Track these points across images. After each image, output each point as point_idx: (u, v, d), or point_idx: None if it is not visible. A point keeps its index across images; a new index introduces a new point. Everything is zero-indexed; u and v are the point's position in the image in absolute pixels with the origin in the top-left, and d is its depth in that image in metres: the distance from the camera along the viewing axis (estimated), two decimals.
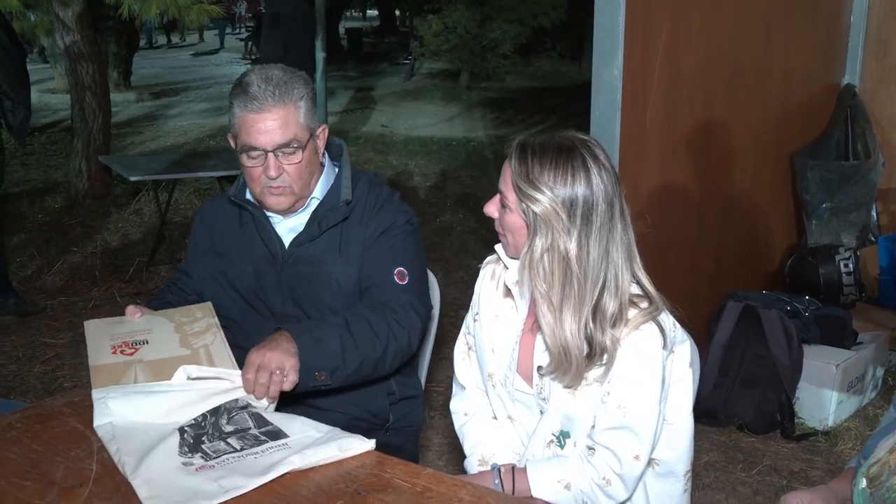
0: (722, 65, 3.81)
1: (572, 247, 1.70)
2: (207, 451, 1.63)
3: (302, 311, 2.16)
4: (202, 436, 1.68)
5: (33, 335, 4.75)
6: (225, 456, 1.61)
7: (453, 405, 2.11)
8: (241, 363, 1.84)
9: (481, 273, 2.03)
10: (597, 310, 1.72)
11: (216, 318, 2.04)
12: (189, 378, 1.82)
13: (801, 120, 4.51)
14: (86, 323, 2.02)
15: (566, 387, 1.77)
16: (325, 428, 1.73)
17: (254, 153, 2.05)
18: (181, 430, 1.68)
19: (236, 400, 1.79)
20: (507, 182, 1.77)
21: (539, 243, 1.71)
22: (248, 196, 2.22)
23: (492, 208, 1.84)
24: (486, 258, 2.05)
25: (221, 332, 1.99)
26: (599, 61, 3.27)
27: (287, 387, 1.82)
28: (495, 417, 2.02)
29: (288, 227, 2.20)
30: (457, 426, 2.09)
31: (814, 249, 4.38)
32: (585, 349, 1.73)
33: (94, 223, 6.86)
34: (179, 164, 6.07)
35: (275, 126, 2.03)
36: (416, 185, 8.63)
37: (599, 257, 1.71)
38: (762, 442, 3.62)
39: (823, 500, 1.54)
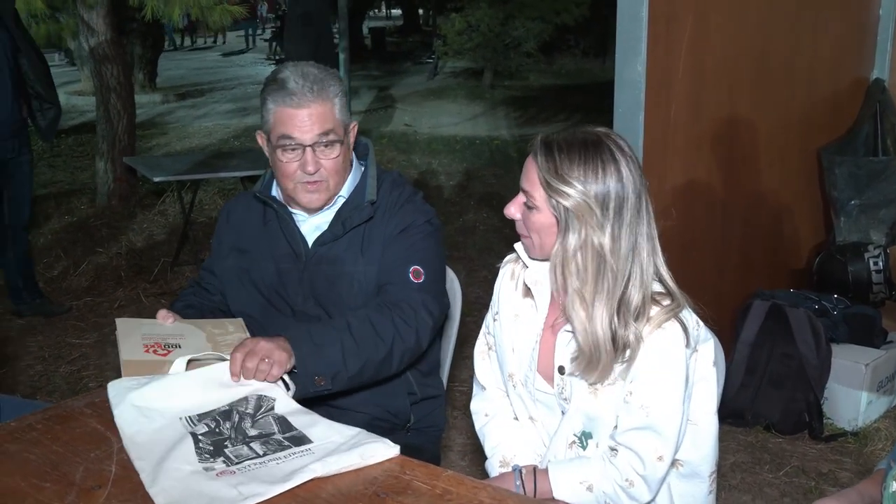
0: (747, 59, 3.75)
1: (606, 241, 1.68)
2: (230, 455, 1.61)
3: (323, 311, 2.15)
4: (224, 440, 1.66)
5: (59, 335, 4.79)
6: (247, 462, 1.59)
7: (474, 405, 2.09)
8: None
9: (500, 273, 2.00)
10: (621, 304, 1.70)
11: (248, 334, 2.03)
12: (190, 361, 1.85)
13: (829, 115, 4.44)
14: (117, 320, 2.02)
15: (592, 384, 1.75)
16: (349, 432, 1.70)
17: (291, 148, 2.05)
18: (195, 436, 1.66)
19: (258, 400, 1.77)
20: (532, 180, 1.74)
21: (572, 239, 1.69)
22: (274, 193, 2.22)
23: (513, 209, 1.81)
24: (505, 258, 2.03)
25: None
26: (622, 58, 3.23)
27: (275, 374, 1.81)
28: (516, 418, 2.00)
29: (313, 226, 2.19)
30: (477, 427, 2.07)
31: (842, 247, 4.31)
32: (611, 345, 1.70)
33: (119, 224, 6.91)
34: (203, 165, 6.10)
35: (313, 121, 2.03)
36: (440, 184, 8.61)
37: (628, 251, 1.69)
38: (790, 443, 3.57)
39: (848, 500, 1.50)
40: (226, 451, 1.63)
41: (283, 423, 1.73)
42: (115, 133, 7.22)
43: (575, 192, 1.67)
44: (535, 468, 1.86)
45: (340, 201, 2.18)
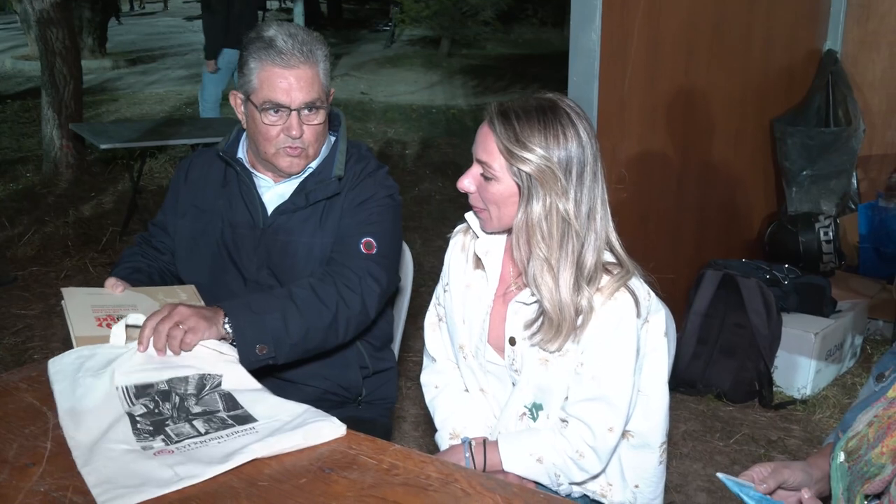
0: (703, 29, 3.74)
1: (570, 206, 1.66)
2: (170, 433, 1.56)
3: (276, 281, 2.10)
4: (165, 420, 1.61)
5: (3, 306, 4.67)
6: (187, 441, 1.54)
7: (424, 378, 2.06)
8: None
9: (451, 243, 1.97)
10: (577, 267, 1.69)
11: (202, 302, 1.96)
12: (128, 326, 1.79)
13: (783, 86, 4.46)
14: (64, 290, 1.93)
15: (552, 352, 1.73)
16: (297, 409, 1.65)
17: (275, 111, 1.99)
18: (132, 417, 1.59)
19: (201, 379, 1.71)
20: (489, 150, 1.70)
21: (537, 206, 1.67)
22: (240, 155, 2.16)
23: (467, 182, 1.77)
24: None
25: None
26: (577, 26, 3.20)
27: (189, 342, 1.74)
28: (467, 390, 1.98)
29: (275, 194, 2.13)
30: (427, 399, 2.05)
31: (793, 217, 4.35)
32: (573, 310, 1.69)
33: (66, 192, 6.75)
34: (153, 133, 5.96)
35: (301, 84, 1.98)
36: (396, 153, 8.54)
37: (586, 215, 1.69)
38: (740, 411, 3.61)
39: (787, 468, 1.49)
40: (166, 429, 1.58)
41: (229, 399, 1.67)
42: (61, 99, 7.02)
43: (537, 157, 1.65)
44: (484, 440, 1.85)
45: (307, 171, 2.12)
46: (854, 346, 3.98)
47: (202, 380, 1.72)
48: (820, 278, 3.99)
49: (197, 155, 2.30)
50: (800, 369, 3.70)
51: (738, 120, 4.18)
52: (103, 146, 5.34)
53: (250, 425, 1.59)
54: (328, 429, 1.58)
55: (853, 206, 4.53)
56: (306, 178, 2.11)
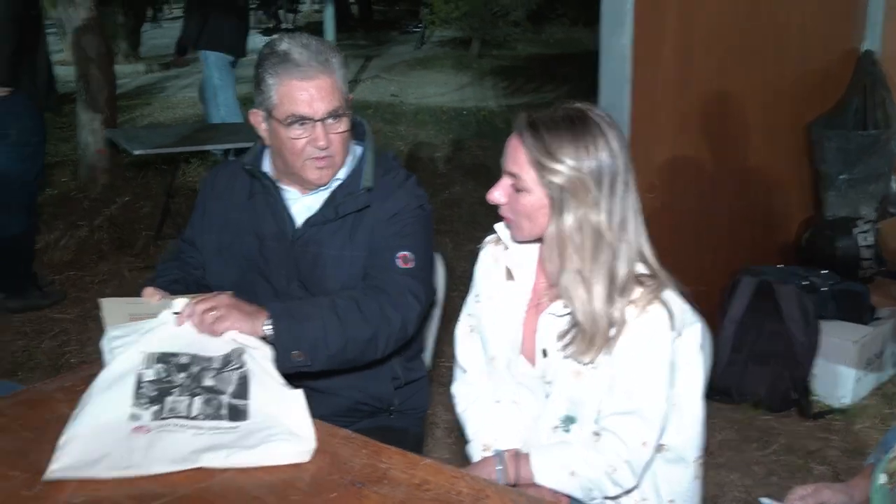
0: (736, 31, 3.70)
1: (602, 217, 1.65)
2: (165, 406, 1.60)
3: (307, 293, 2.09)
4: (174, 387, 1.64)
5: (41, 311, 4.71)
6: (171, 420, 1.58)
7: (454, 389, 2.05)
8: None
9: (481, 254, 1.96)
10: (610, 279, 1.67)
11: None
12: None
13: (819, 88, 4.39)
14: (101, 301, 1.94)
15: (586, 364, 1.71)
16: (293, 413, 1.65)
17: (300, 124, 1.98)
18: (139, 379, 1.64)
19: (226, 357, 1.74)
20: (519, 162, 1.69)
21: (569, 218, 1.66)
22: (266, 168, 2.15)
23: (497, 194, 1.75)
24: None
25: None
26: (608, 30, 3.17)
27: (210, 330, 1.76)
28: (498, 401, 1.95)
29: (303, 206, 2.12)
30: (458, 410, 2.03)
31: (831, 222, 4.28)
32: (606, 322, 1.68)
33: (101, 197, 6.81)
34: (186, 138, 6.00)
35: (322, 94, 1.97)
36: (426, 155, 8.54)
37: (619, 226, 1.67)
38: (778, 420, 3.56)
39: (828, 489, 1.46)
40: (167, 398, 1.62)
41: (242, 386, 1.67)
42: (96, 104, 7.08)
43: (569, 169, 1.64)
44: (516, 453, 1.83)
45: (336, 183, 2.11)
46: (894, 355, 3.91)
47: (227, 358, 1.73)
48: (858, 284, 3.92)
49: (221, 168, 2.30)
50: (839, 378, 3.63)
51: (773, 123, 4.13)
52: (136, 152, 5.38)
53: (236, 423, 1.60)
54: (293, 452, 1.55)
55: (893, 211, 4.45)
56: (335, 190, 2.10)
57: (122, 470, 1.46)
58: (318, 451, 1.56)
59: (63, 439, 1.52)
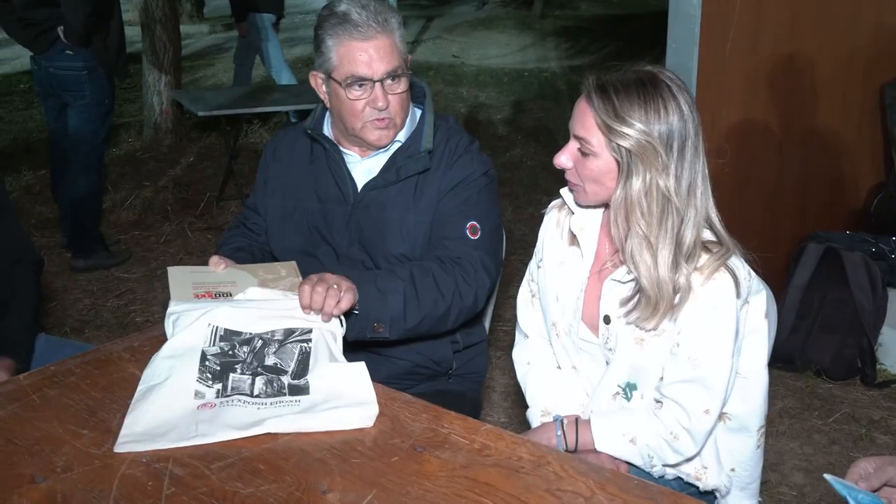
0: None
1: (671, 183, 1.62)
2: (228, 384, 1.63)
3: (368, 256, 2.11)
4: (237, 363, 1.67)
5: (107, 270, 4.83)
6: (235, 396, 1.61)
7: (515, 354, 2.05)
8: None
9: (545, 219, 1.94)
10: (677, 244, 1.65)
11: (301, 278, 1.98)
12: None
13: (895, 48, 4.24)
14: (169, 269, 1.98)
15: (649, 330, 1.70)
16: (357, 384, 1.66)
17: (360, 85, 1.98)
18: (204, 355, 1.68)
19: (294, 330, 1.76)
20: (587, 125, 1.66)
21: (636, 183, 1.63)
22: (326, 132, 2.16)
23: (563, 158, 1.73)
24: (551, 202, 1.96)
25: None
26: None
27: (343, 305, 1.79)
28: (559, 367, 1.95)
29: (364, 169, 2.13)
30: (519, 375, 2.03)
31: None
32: (671, 288, 1.65)
33: (165, 158, 6.93)
34: (249, 98, 6.05)
35: (382, 55, 1.97)
36: (487, 117, 8.49)
37: (687, 190, 1.64)
38: (840, 388, 3.50)
39: (891, 464, 1.42)
40: (231, 375, 1.65)
41: (304, 361, 1.70)
42: (161, 65, 7.19)
43: (638, 133, 1.60)
44: (577, 419, 1.83)
45: (395, 146, 2.11)
46: None
47: (291, 330, 1.76)
48: None
49: (282, 134, 2.32)
50: None
51: (846, 84, 4.00)
52: (200, 113, 5.44)
53: (298, 398, 1.63)
54: (357, 418, 1.57)
55: None
56: (395, 152, 2.10)
57: (189, 440, 1.49)
58: (379, 415, 1.58)
59: (130, 416, 1.55)
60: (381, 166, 2.11)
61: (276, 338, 1.74)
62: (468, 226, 2.04)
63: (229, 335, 1.73)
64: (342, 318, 1.83)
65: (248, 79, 8.15)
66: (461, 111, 8.66)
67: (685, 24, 3.09)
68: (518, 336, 2.06)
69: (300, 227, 2.16)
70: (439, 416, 1.58)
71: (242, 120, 6.30)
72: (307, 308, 1.77)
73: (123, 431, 1.51)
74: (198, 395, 1.61)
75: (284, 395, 1.63)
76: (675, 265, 1.64)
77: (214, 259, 2.01)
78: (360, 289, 1.85)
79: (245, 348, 1.71)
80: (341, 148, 2.13)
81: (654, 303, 1.66)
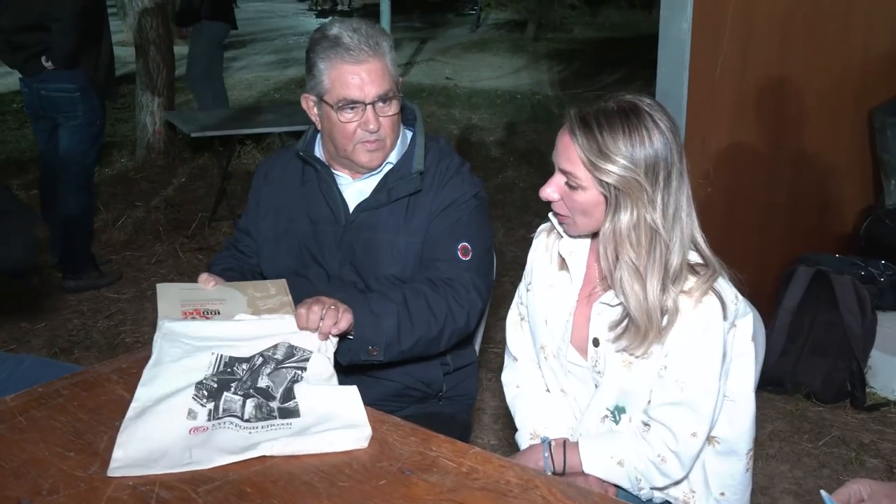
0: (800, 12, 3.61)
1: (658, 215, 1.63)
2: (220, 405, 1.63)
3: (359, 278, 2.11)
4: (232, 381, 1.68)
5: (98, 290, 4.81)
6: (227, 419, 1.60)
7: (505, 377, 2.05)
8: None
9: (534, 243, 1.95)
10: (665, 270, 1.65)
11: (290, 297, 1.98)
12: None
13: (884, 73, 4.27)
14: (158, 285, 1.98)
15: (638, 357, 1.70)
16: (349, 407, 1.66)
17: (351, 108, 2.00)
18: (201, 381, 1.68)
19: (290, 348, 1.76)
20: (572, 160, 1.66)
21: (624, 217, 1.64)
22: (317, 153, 2.18)
23: (549, 191, 1.73)
24: (539, 226, 1.97)
25: (294, 309, 1.92)
26: (668, 14, 3.13)
27: (342, 325, 1.80)
28: (548, 390, 1.96)
29: (355, 190, 2.14)
30: (508, 398, 2.03)
31: (891, 211, 4.17)
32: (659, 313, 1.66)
33: (158, 178, 6.93)
34: (241, 120, 6.07)
35: (373, 78, 1.99)
36: (480, 139, 8.52)
37: (673, 216, 1.65)
38: (830, 412, 3.50)
39: (886, 496, 1.43)
40: (225, 394, 1.65)
41: (288, 391, 1.69)
42: (154, 86, 7.21)
43: (622, 169, 1.61)
44: (564, 441, 1.83)
45: (387, 167, 2.12)
46: None
47: (291, 350, 1.76)
48: None
49: (274, 156, 2.33)
50: (895, 370, 3.55)
51: (835, 109, 4.03)
52: (193, 134, 5.46)
53: (289, 421, 1.62)
54: (352, 440, 1.57)
55: None
56: (387, 174, 2.11)
57: (182, 467, 1.48)
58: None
59: (123, 436, 1.54)
60: (372, 188, 2.12)
61: (276, 356, 1.74)
62: (459, 247, 2.05)
63: (231, 362, 1.74)
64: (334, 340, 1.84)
65: (218, 96, 8.03)
66: (454, 133, 8.69)
67: (675, 48, 3.11)
68: (507, 359, 2.06)
69: (291, 249, 2.17)
70: (428, 439, 1.58)
71: (235, 141, 6.31)
72: (304, 328, 1.78)
73: (116, 454, 1.50)
74: (191, 413, 1.60)
75: (275, 418, 1.63)
76: (664, 289, 1.65)
77: (204, 276, 2.02)
78: (354, 312, 1.86)
79: (244, 365, 1.72)
80: (333, 170, 2.14)
81: (643, 331, 1.67)
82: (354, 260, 2.11)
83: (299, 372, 1.73)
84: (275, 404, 1.66)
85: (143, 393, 1.65)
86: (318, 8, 21.60)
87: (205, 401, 1.63)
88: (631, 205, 1.62)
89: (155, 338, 1.79)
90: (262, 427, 1.60)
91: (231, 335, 1.79)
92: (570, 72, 12.94)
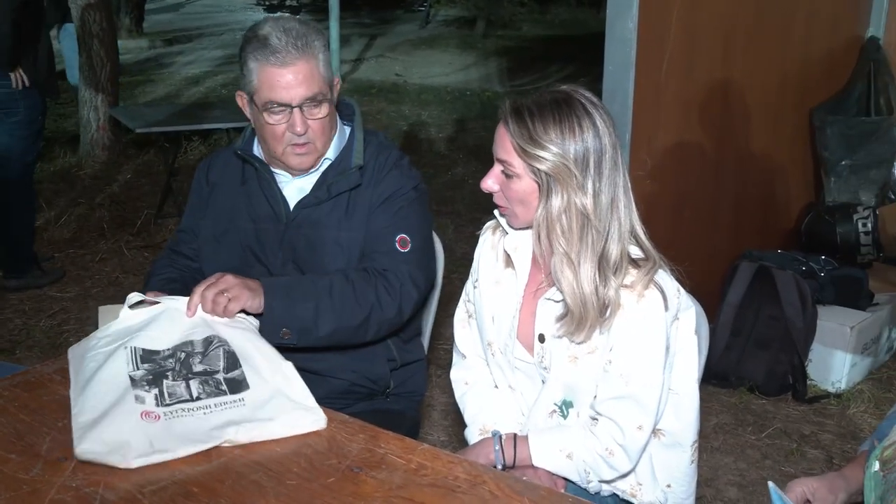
0: (743, 14, 3.68)
1: (588, 201, 1.65)
2: (165, 391, 1.62)
3: (302, 275, 2.10)
4: (166, 371, 1.67)
5: (40, 289, 4.72)
6: (176, 405, 1.59)
7: (453, 374, 2.06)
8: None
9: (480, 240, 1.97)
10: (602, 259, 1.67)
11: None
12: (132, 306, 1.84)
13: (823, 73, 4.38)
14: (100, 308, 1.92)
15: (579, 343, 1.72)
16: (291, 381, 1.70)
17: (278, 110, 1.98)
18: (132, 378, 1.65)
19: (206, 340, 1.77)
20: (507, 148, 1.70)
21: (556, 202, 1.66)
22: (256, 151, 2.16)
23: (490, 182, 1.77)
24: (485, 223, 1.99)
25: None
26: (613, 13, 3.16)
27: (232, 308, 1.82)
28: (496, 386, 1.97)
29: (295, 188, 2.13)
30: (457, 395, 2.04)
31: (831, 208, 4.29)
32: (597, 302, 1.68)
33: (102, 175, 6.82)
34: (187, 116, 6.01)
35: (300, 80, 1.96)
36: (429, 136, 8.53)
37: (607, 205, 1.67)
38: (773, 404, 3.58)
39: (829, 490, 1.48)
40: (164, 382, 1.64)
41: (231, 358, 1.72)
42: (98, 81, 7.08)
43: (552, 155, 1.64)
44: (514, 435, 1.84)
45: (326, 164, 2.12)
46: (891, 340, 3.93)
47: (208, 340, 1.77)
48: (857, 270, 3.94)
49: (214, 156, 2.31)
50: (835, 363, 3.65)
51: (777, 108, 4.12)
52: (139, 129, 5.38)
53: (240, 395, 1.64)
54: (308, 422, 1.61)
55: (893, 197, 4.45)
56: (326, 170, 2.11)
57: (149, 456, 1.47)
58: (316, 435, 1.58)
59: (79, 420, 1.54)
60: (312, 184, 2.11)
61: (197, 350, 1.74)
62: (398, 238, 2.06)
63: (149, 355, 1.71)
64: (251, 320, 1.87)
65: None
66: (403, 129, 8.69)
67: (621, 46, 3.14)
68: (455, 356, 2.07)
69: (233, 248, 2.15)
70: (376, 436, 1.58)
71: (182, 137, 6.23)
72: (191, 311, 1.81)
73: (79, 438, 1.49)
74: (138, 399, 1.59)
75: (225, 393, 1.63)
76: (604, 279, 1.67)
77: (134, 295, 1.95)
78: (269, 294, 1.87)
79: (170, 360, 1.71)
80: (272, 168, 2.13)
81: (577, 318, 1.69)
82: (297, 258, 2.10)
83: (226, 346, 1.75)
84: (220, 376, 1.67)
85: (79, 388, 1.64)
86: (267, 3, 21.41)
87: (148, 387, 1.62)
88: (561, 190, 1.65)
89: (70, 373, 1.75)
90: (217, 406, 1.61)
91: (140, 324, 1.78)
92: (519, 69, 13.00)
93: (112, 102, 7.18)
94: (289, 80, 1.96)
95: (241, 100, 2.08)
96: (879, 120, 4.31)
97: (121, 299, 1.93)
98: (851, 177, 4.29)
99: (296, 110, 1.98)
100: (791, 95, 4.19)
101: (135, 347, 1.72)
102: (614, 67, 3.20)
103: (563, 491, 1.75)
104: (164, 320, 1.80)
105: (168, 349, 1.74)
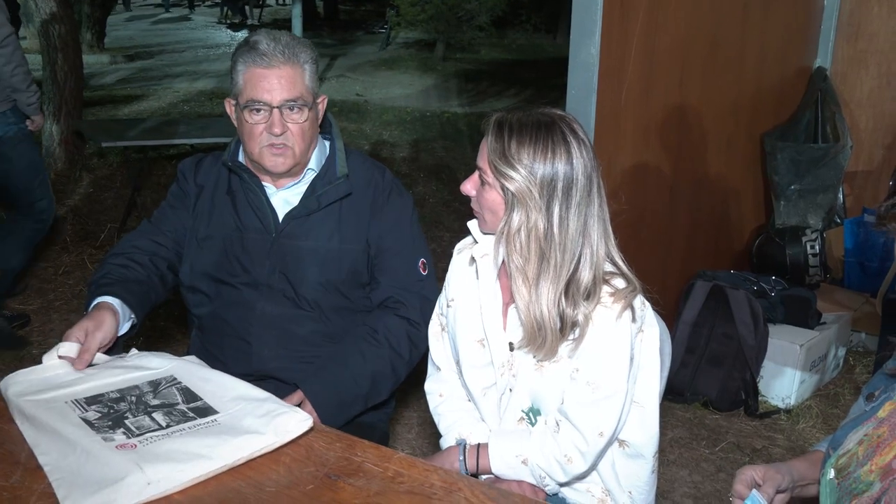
0: (699, 43, 3.81)
1: (545, 224, 1.71)
2: (131, 427, 1.58)
3: (289, 286, 2.15)
4: (125, 413, 1.62)
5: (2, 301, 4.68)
6: (148, 434, 1.55)
7: (428, 386, 2.11)
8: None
9: (456, 258, 2.01)
10: (571, 284, 1.73)
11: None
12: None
13: (774, 101, 4.53)
14: (6, 378, 1.77)
15: (539, 361, 1.78)
16: (257, 395, 1.71)
17: (258, 109, 2.05)
18: (87, 421, 1.59)
19: (152, 382, 1.76)
20: (484, 159, 1.77)
21: (516, 218, 1.72)
22: (242, 160, 2.21)
23: (469, 186, 1.84)
24: (456, 240, 2.05)
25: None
26: (577, 40, 3.26)
27: (93, 349, 1.83)
28: (469, 399, 2.02)
29: (280, 199, 2.18)
30: (431, 406, 2.09)
31: (781, 230, 4.43)
32: (558, 324, 1.73)
33: (64, 188, 6.77)
34: (152, 131, 6.01)
35: (282, 83, 2.04)
36: (390, 155, 8.59)
37: (577, 232, 1.72)
38: (726, 419, 3.69)
39: (777, 472, 1.59)
40: (126, 422, 1.59)
41: (187, 392, 1.72)
42: (61, 94, 7.04)
43: (519, 175, 1.70)
44: (478, 445, 1.89)
45: (311, 175, 2.18)
46: (837, 358, 4.07)
47: (155, 382, 1.76)
48: (806, 291, 4.07)
49: (199, 159, 2.33)
50: (785, 379, 3.78)
51: (731, 134, 4.25)
52: (105, 144, 5.38)
53: (211, 418, 1.62)
54: (295, 422, 1.62)
55: (839, 221, 4.62)
56: (313, 181, 2.17)
57: (147, 488, 1.41)
58: (293, 445, 1.62)
59: (53, 473, 1.45)
60: (298, 196, 2.17)
61: (146, 391, 1.72)
62: (420, 263, 2.19)
63: (92, 399, 1.67)
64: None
65: None
66: (365, 148, 8.73)
67: (584, 71, 3.24)
68: (430, 368, 2.12)
69: (213, 255, 2.19)
70: (353, 445, 1.63)
71: (147, 151, 6.22)
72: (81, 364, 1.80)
73: (62, 495, 1.39)
74: (107, 440, 1.52)
75: (194, 418, 1.62)
76: (572, 303, 1.72)
77: (65, 346, 1.84)
78: (314, 398, 2.04)
79: (122, 404, 1.67)
80: (260, 178, 2.18)
81: (531, 335, 1.75)
82: (284, 268, 2.15)
83: (178, 384, 1.75)
84: (182, 407, 1.66)
85: (41, 443, 1.54)
86: (228, 21, 21.35)
87: (111, 430, 1.56)
88: (522, 209, 1.72)
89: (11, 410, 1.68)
90: (191, 428, 1.58)
91: (72, 383, 1.73)
92: (477, 91, 13.12)
93: (75, 116, 7.14)
94: (272, 82, 2.03)
95: (229, 105, 2.14)
96: (827, 147, 4.47)
97: (83, 312, 1.95)
98: (800, 201, 4.44)
99: (275, 111, 2.05)
100: (744, 122, 4.33)
101: (75, 400, 1.66)
102: (577, 91, 3.30)
103: (542, 500, 1.81)
104: (89, 373, 1.77)
105: (113, 392, 1.70)
